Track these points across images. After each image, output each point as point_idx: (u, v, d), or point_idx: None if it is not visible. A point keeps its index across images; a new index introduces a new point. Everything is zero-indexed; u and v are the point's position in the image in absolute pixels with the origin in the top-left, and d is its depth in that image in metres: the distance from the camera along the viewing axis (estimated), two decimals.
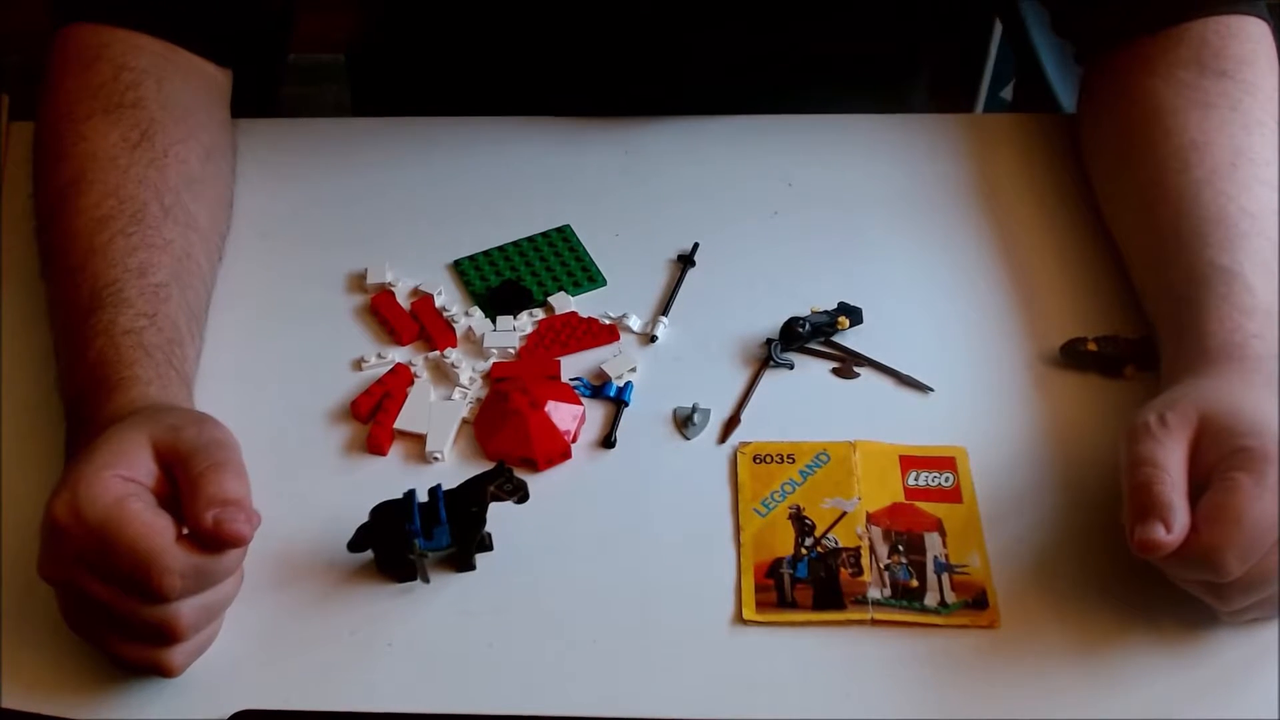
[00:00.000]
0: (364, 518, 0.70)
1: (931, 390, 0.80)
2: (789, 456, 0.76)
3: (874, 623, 0.69)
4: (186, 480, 0.64)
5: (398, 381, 0.80)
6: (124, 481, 0.63)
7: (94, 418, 0.69)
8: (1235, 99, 0.82)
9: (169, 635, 0.64)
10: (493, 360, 0.82)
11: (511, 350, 0.82)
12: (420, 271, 0.87)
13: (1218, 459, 0.65)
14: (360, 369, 0.82)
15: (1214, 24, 0.85)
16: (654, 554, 0.72)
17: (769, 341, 0.82)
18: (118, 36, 0.86)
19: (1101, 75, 0.90)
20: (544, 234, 0.89)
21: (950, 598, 0.70)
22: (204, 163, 0.85)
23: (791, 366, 0.82)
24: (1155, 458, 0.65)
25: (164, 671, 0.65)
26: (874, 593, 0.70)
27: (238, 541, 0.63)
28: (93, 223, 0.78)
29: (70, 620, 0.66)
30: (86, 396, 0.71)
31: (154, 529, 0.62)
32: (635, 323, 0.84)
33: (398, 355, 0.82)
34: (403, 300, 0.85)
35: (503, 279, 0.86)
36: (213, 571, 0.64)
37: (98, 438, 0.66)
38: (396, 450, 0.78)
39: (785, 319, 0.82)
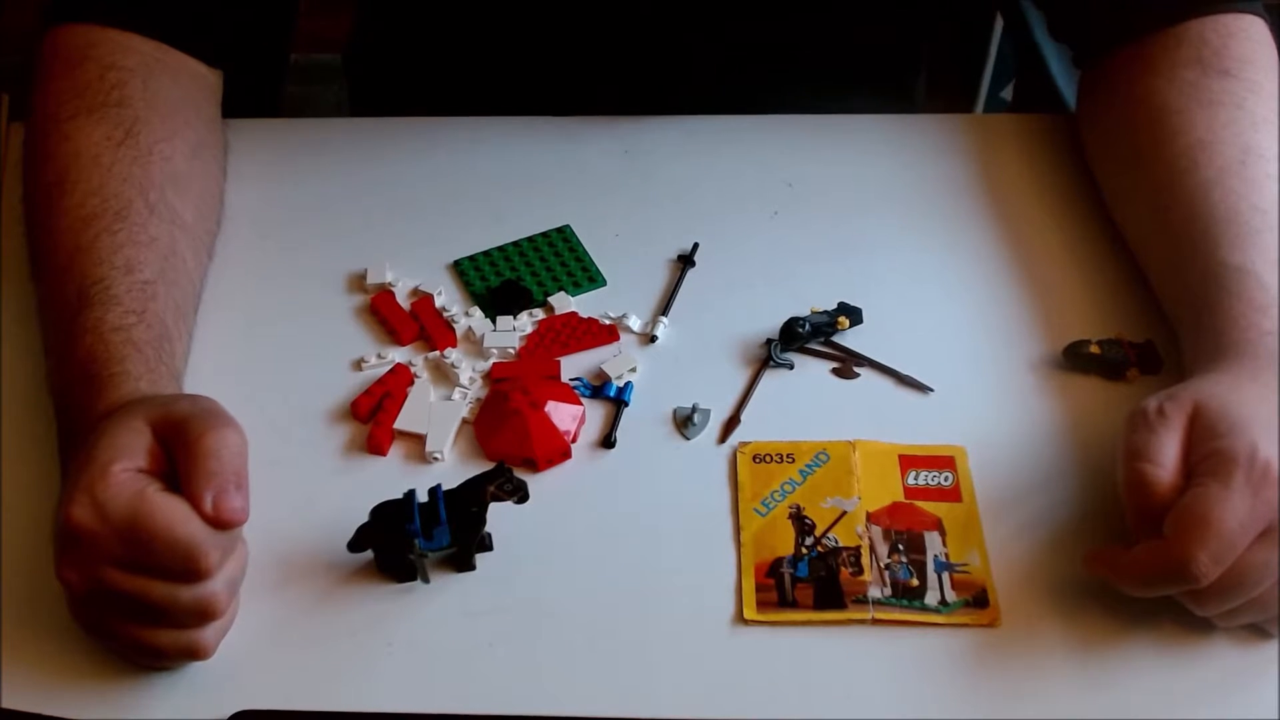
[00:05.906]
0: (364, 518, 0.70)
1: (931, 390, 0.80)
2: (789, 456, 0.76)
3: (875, 622, 0.69)
4: (183, 448, 0.65)
5: (398, 381, 0.80)
6: (135, 474, 0.64)
7: (85, 414, 0.69)
8: (1240, 97, 0.82)
9: (209, 612, 0.65)
10: (493, 360, 0.82)
11: (511, 350, 0.82)
12: (420, 271, 0.87)
13: (1199, 458, 0.65)
14: (360, 369, 0.82)
15: (1212, 23, 0.85)
16: (654, 554, 0.72)
17: (769, 341, 0.82)
18: (107, 36, 0.86)
19: (1102, 77, 0.90)
20: (544, 234, 0.89)
21: (951, 596, 0.70)
22: (190, 160, 0.84)
23: (791, 366, 0.81)
24: (1149, 449, 0.66)
25: (199, 653, 0.66)
26: (874, 592, 0.70)
27: (234, 524, 0.64)
28: (77, 221, 0.78)
29: (85, 621, 0.66)
30: (76, 394, 0.71)
31: (183, 513, 0.63)
32: (635, 323, 0.84)
33: (398, 355, 0.82)
34: (403, 300, 0.85)
35: (503, 279, 0.86)
36: (231, 538, 0.65)
37: (93, 434, 0.66)
38: (396, 450, 0.78)
39: (785, 319, 0.82)
